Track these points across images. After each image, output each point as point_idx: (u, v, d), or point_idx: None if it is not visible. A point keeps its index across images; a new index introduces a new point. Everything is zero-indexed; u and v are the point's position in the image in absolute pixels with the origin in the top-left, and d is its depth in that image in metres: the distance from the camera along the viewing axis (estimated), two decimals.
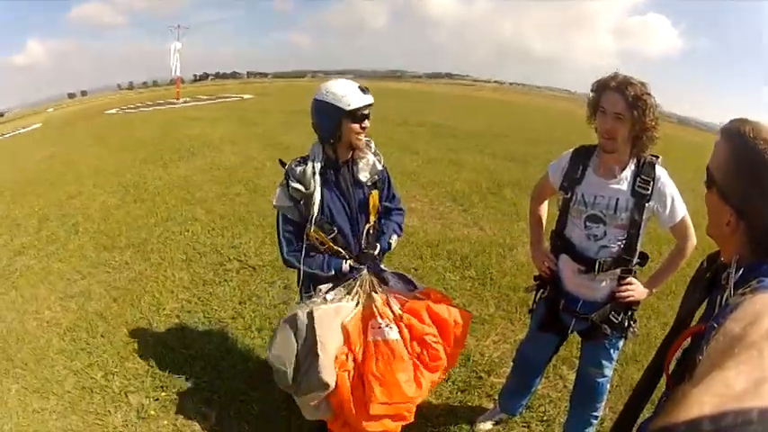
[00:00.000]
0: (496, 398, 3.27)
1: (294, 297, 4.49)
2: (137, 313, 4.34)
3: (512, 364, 3.14)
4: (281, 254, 2.49)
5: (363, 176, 2.51)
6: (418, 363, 2.44)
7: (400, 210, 2.84)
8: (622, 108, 2.14)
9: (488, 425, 3.16)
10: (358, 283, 2.50)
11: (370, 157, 2.54)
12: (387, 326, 2.41)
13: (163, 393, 3.35)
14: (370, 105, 2.35)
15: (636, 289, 2.42)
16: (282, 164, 2.49)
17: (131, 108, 26.85)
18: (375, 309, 2.44)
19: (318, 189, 2.37)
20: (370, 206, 2.55)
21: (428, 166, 10.10)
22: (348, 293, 2.48)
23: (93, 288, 4.83)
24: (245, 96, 30.68)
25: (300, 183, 2.36)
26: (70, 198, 7.96)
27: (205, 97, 30.97)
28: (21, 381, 3.50)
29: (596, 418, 2.81)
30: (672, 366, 1.30)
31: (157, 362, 3.64)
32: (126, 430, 3.12)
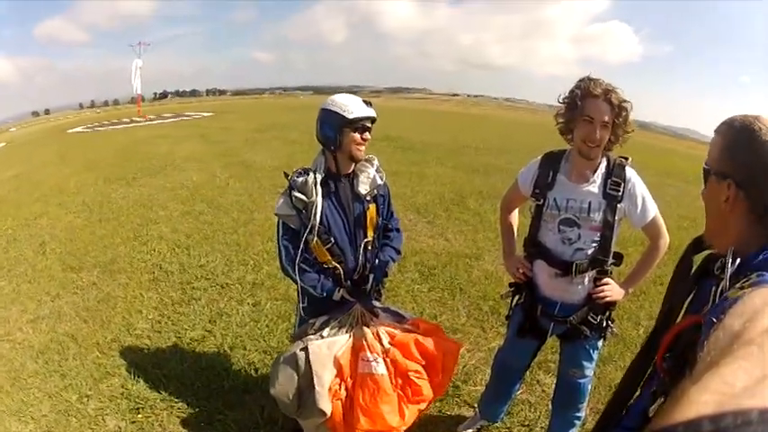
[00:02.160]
0: (476, 405, 3.31)
1: (263, 316, 4.56)
2: (107, 334, 4.29)
3: (490, 371, 3.16)
4: (280, 261, 2.57)
5: (363, 189, 2.58)
6: (402, 394, 2.53)
7: (399, 231, 2.93)
8: (609, 117, 2.21)
9: None
10: (350, 317, 2.60)
11: (371, 172, 2.64)
12: (374, 360, 2.50)
13: (139, 415, 3.31)
14: (371, 119, 2.47)
15: (612, 289, 2.47)
16: (286, 175, 2.57)
17: (94, 127, 26.42)
18: (365, 342, 2.53)
19: (319, 198, 2.44)
20: (368, 220, 2.62)
21: (391, 180, 9.89)
22: (341, 327, 2.58)
23: (63, 309, 4.76)
24: (206, 114, 30.37)
25: (302, 192, 2.44)
26: (36, 218, 7.82)
27: (168, 115, 30.65)
28: None
29: (579, 419, 2.86)
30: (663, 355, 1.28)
31: (132, 383, 3.60)
32: None
